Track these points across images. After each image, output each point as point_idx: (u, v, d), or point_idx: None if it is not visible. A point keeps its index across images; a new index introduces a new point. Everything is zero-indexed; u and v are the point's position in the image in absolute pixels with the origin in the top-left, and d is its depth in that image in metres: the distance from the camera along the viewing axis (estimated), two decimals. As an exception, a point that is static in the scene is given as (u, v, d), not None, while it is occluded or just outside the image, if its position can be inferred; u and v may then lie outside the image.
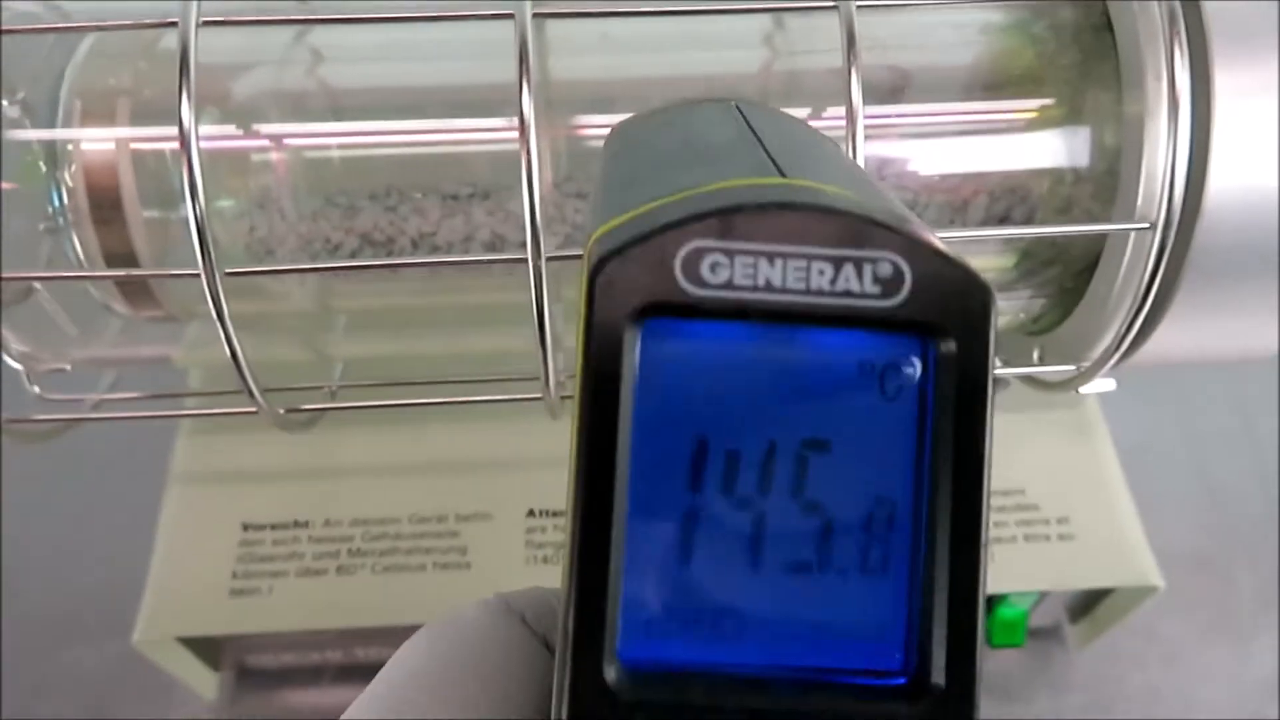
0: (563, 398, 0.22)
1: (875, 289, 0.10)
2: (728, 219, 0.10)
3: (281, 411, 0.21)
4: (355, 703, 0.12)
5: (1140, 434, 0.33)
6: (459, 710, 0.11)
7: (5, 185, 0.21)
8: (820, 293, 0.10)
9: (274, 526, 0.28)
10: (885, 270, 0.10)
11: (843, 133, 0.18)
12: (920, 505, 0.10)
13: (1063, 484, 0.28)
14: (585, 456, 0.10)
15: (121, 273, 0.19)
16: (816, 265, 0.10)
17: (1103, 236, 0.21)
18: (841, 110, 0.20)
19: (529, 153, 0.17)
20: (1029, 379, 0.24)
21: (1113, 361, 0.20)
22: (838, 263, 0.10)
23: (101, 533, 0.32)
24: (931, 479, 0.10)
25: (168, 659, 0.27)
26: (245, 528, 0.28)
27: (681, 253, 0.10)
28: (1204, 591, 0.33)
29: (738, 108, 0.14)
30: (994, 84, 0.22)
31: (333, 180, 0.23)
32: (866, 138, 0.22)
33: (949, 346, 0.10)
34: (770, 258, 0.10)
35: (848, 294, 0.10)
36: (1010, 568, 0.27)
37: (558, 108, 0.23)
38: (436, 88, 0.24)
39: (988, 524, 0.10)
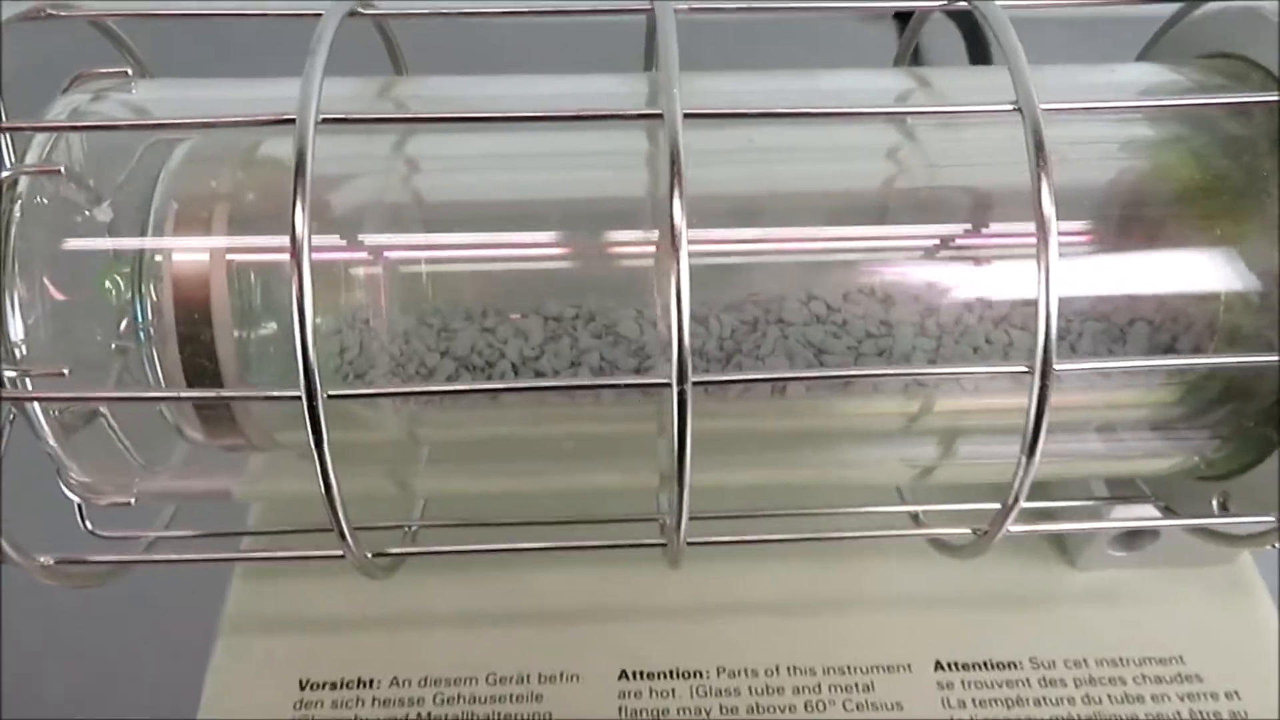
0: (690, 543, 0.19)
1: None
2: None
3: (370, 556, 0.19)
4: None
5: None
6: None
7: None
8: None
9: (334, 685, 0.25)
10: None
11: (1030, 250, 0.16)
12: None
13: (1226, 651, 0.25)
14: None
15: (227, 394, 0.17)
16: None
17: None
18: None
19: (679, 265, 0.15)
20: (1202, 531, 0.21)
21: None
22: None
23: (148, 676, 0.29)
24: None
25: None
26: (302, 685, 0.25)
27: None
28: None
29: None
30: (1160, 200, 0.20)
31: (427, 298, 0.21)
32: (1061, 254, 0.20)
33: None
34: None
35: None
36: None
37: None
38: (541, 200, 0.22)
39: None
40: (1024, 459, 0.17)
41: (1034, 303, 0.20)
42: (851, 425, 0.22)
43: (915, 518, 0.23)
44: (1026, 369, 0.16)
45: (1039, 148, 0.16)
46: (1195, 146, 0.21)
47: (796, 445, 0.22)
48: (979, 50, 0.41)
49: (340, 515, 0.17)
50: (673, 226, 0.16)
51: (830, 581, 0.26)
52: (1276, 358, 0.18)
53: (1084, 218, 0.21)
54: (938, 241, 0.21)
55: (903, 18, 0.47)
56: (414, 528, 0.23)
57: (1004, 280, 0.21)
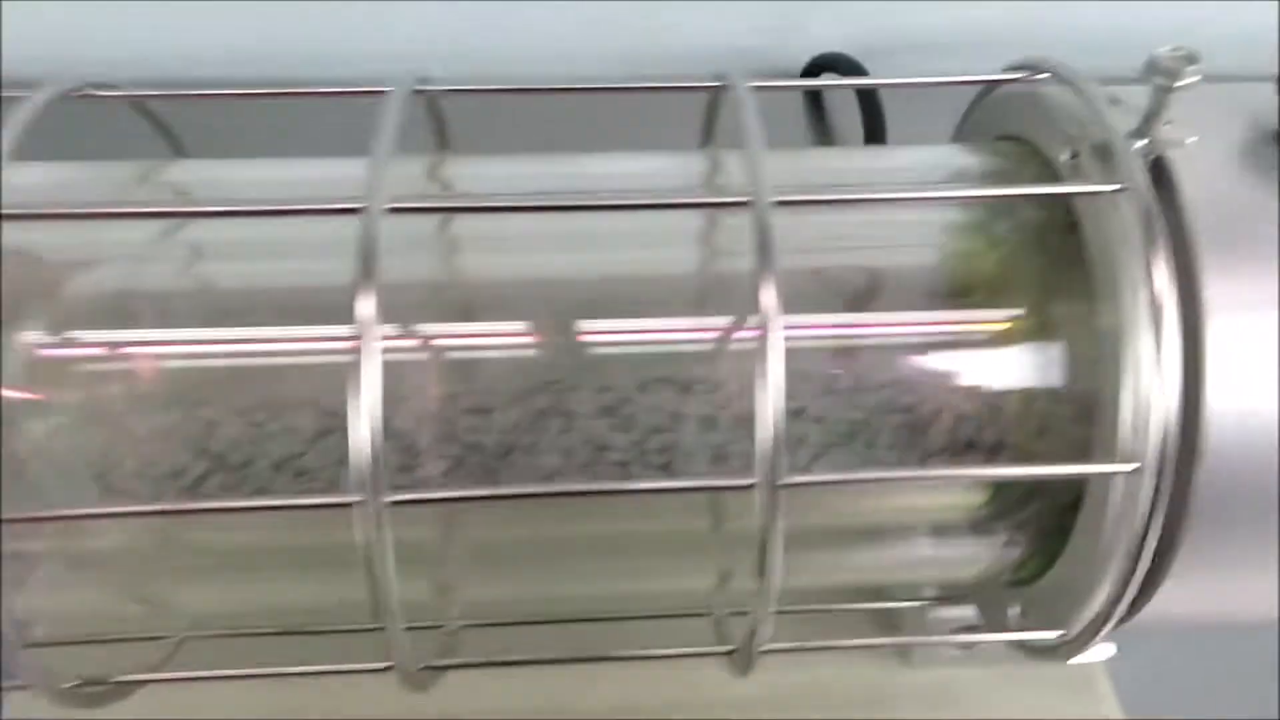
0: (423, 669, 0.17)
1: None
2: None
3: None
4: None
5: (1149, 683, 0.28)
6: None
7: None
8: None
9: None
10: None
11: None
12: None
13: (1066, 761, 0.23)
14: None
15: None
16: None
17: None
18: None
19: (359, 367, 0.14)
20: (1012, 644, 0.20)
21: (1108, 628, 0.16)
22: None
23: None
24: None
25: None
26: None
27: None
28: None
29: None
30: (953, 291, 0.19)
31: (186, 394, 0.19)
32: (806, 349, 0.19)
33: None
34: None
35: None
36: None
37: (450, 310, 0.20)
38: (310, 288, 0.20)
39: None
40: (760, 579, 0.15)
41: (839, 392, 0.19)
42: (635, 531, 0.20)
43: (719, 624, 0.22)
44: (752, 483, 0.15)
45: (764, 240, 0.15)
46: (995, 232, 0.20)
47: (579, 553, 0.20)
48: (876, 127, 0.40)
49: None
50: (356, 318, 0.14)
51: (641, 690, 0.24)
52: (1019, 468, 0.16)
53: (881, 307, 0.20)
54: (726, 332, 0.20)
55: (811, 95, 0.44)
56: (176, 640, 0.21)
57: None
